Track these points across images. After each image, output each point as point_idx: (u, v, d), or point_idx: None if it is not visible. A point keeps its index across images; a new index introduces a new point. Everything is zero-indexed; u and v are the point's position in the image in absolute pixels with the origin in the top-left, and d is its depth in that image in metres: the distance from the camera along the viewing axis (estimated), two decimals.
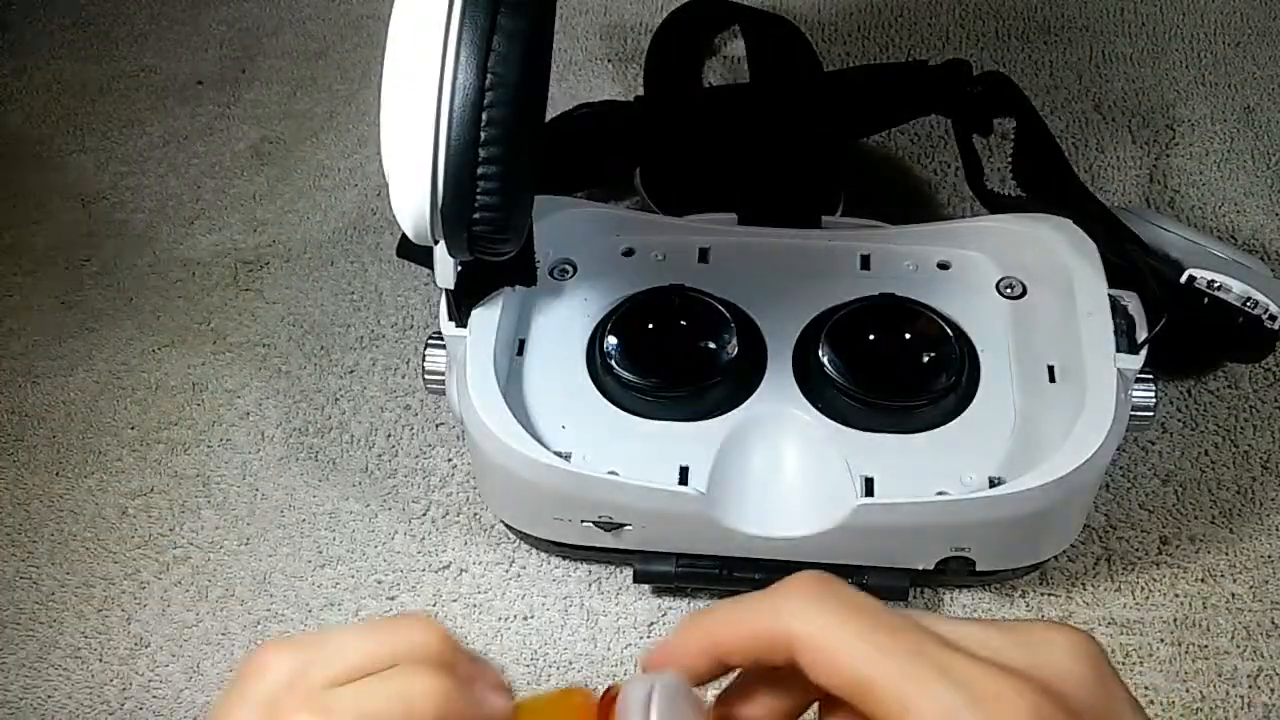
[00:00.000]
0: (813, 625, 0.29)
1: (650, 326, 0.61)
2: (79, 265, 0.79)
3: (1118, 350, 0.56)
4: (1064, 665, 0.29)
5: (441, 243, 0.50)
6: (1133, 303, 0.58)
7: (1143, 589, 0.61)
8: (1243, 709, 0.57)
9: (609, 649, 0.60)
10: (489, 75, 0.45)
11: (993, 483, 0.55)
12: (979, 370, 0.59)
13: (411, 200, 0.47)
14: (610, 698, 0.31)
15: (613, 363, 0.59)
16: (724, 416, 0.58)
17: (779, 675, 0.31)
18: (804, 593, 0.30)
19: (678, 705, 0.30)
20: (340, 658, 0.31)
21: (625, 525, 0.57)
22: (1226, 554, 0.62)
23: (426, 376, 0.61)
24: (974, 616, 0.57)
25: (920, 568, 0.57)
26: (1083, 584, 0.61)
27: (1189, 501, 0.64)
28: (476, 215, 0.47)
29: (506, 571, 0.63)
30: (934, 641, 0.29)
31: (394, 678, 0.30)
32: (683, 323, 0.61)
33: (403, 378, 0.71)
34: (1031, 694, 0.27)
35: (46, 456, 0.69)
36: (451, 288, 0.57)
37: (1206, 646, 0.59)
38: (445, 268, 0.55)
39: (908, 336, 0.60)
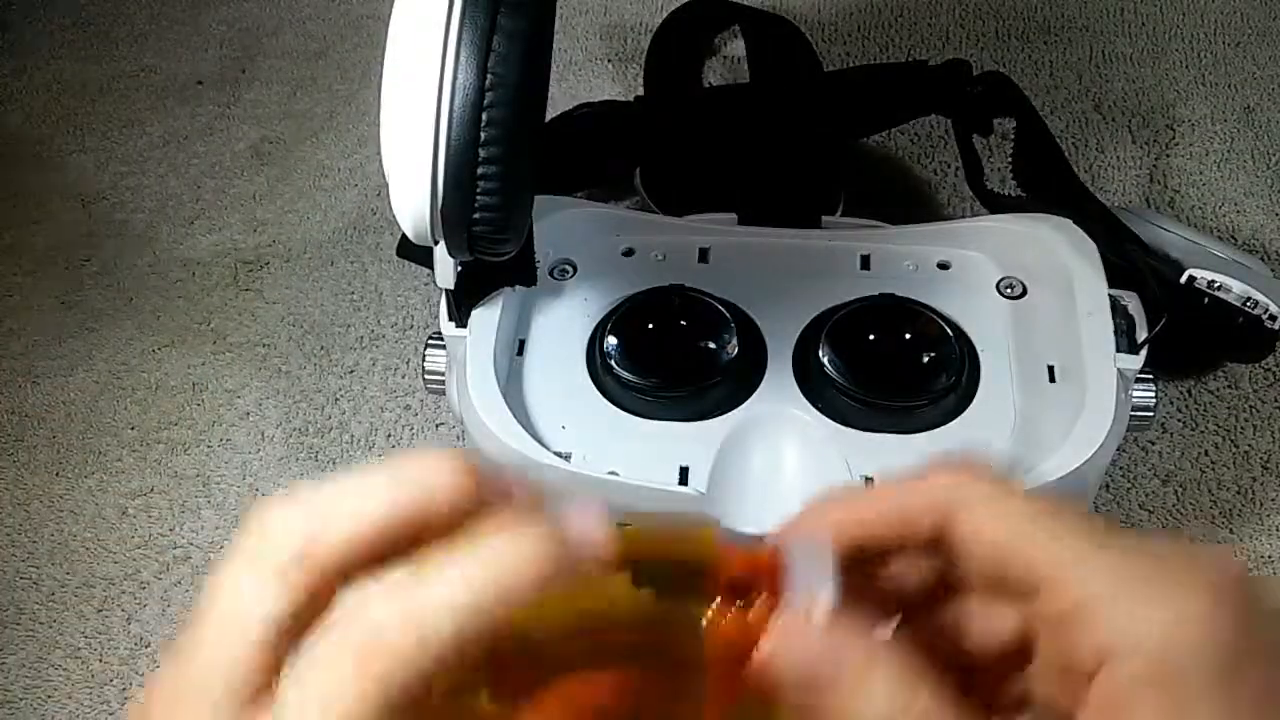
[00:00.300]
0: (973, 498, 0.29)
1: (650, 326, 0.61)
2: (79, 265, 0.79)
3: (1118, 350, 0.56)
4: (1234, 571, 0.28)
5: (441, 243, 0.50)
6: (1133, 303, 0.58)
7: None
8: None
9: None
10: (489, 75, 0.45)
11: None
12: (979, 370, 0.59)
13: (411, 200, 0.47)
14: (769, 549, 0.30)
15: (613, 363, 0.59)
16: (724, 416, 0.58)
17: (908, 552, 0.31)
18: (959, 471, 0.30)
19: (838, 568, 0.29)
20: (358, 517, 0.26)
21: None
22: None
23: (426, 376, 0.61)
24: None
25: None
26: None
27: (1189, 501, 0.64)
28: (476, 215, 0.47)
29: None
30: (1098, 525, 0.28)
31: (480, 551, 0.25)
32: (683, 323, 0.61)
33: (403, 378, 0.71)
34: (1210, 574, 0.27)
35: (46, 456, 0.69)
36: (451, 288, 0.57)
37: None
38: (445, 268, 0.55)
39: (908, 336, 0.59)
